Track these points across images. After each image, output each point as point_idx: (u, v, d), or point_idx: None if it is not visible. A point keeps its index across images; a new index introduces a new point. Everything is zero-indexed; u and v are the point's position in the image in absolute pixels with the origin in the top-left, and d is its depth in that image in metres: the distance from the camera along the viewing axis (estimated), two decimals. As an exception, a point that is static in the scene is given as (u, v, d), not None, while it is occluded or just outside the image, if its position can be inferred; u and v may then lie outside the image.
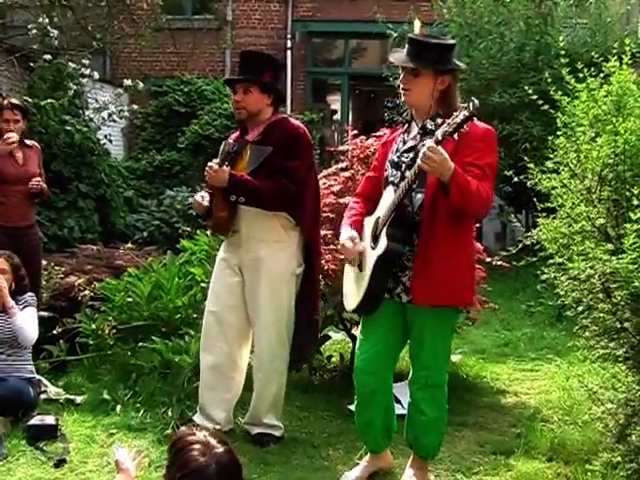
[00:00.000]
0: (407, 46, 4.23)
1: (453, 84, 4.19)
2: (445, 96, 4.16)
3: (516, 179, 4.72)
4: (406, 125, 4.35)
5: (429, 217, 4.06)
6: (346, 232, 4.33)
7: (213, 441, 2.57)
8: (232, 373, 5.04)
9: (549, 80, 4.99)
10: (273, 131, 4.86)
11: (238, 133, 5.10)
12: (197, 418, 5.06)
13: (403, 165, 4.21)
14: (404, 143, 4.27)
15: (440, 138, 3.80)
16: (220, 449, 2.54)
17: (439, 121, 4.07)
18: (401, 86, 4.24)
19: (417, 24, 4.65)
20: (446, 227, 4.05)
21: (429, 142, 3.82)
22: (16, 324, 5.44)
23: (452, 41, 4.35)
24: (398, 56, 4.26)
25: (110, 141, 12.35)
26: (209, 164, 4.82)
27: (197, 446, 2.53)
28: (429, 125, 4.17)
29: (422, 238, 4.09)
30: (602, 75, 4.33)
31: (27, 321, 5.50)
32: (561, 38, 7.83)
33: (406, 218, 4.12)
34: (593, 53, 4.88)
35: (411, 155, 4.16)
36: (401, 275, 4.19)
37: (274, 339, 4.92)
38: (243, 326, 5.01)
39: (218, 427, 4.95)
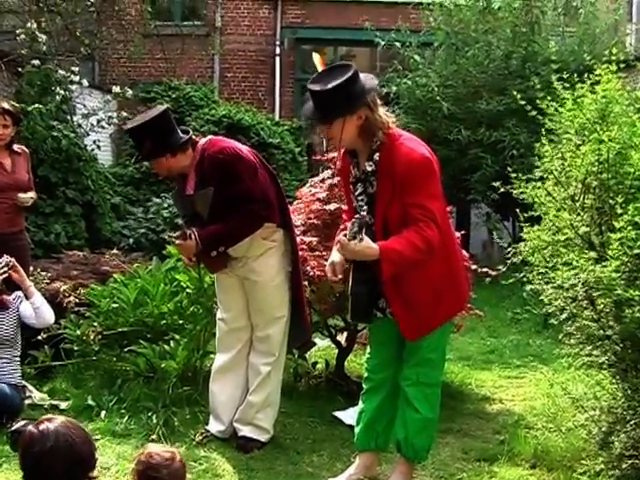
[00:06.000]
0: (310, 98, 4.16)
1: (370, 114, 4.12)
2: (366, 128, 4.13)
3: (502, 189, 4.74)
4: (354, 158, 4.32)
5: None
6: (331, 256, 4.38)
7: (53, 417, 2.65)
8: (242, 371, 5.11)
9: (537, 87, 5.00)
10: (202, 170, 4.87)
11: (176, 186, 5.20)
12: (210, 425, 5.16)
13: (358, 199, 4.31)
14: (355, 177, 4.32)
15: (349, 239, 3.94)
16: (56, 421, 2.60)
17: (377, 157, 4.14)
18: (327, 140, 4.32)
19: (316, 59, 4.55)
20: None
21: (341, 237, 4.03)
22: (35, 303, 5.52)
23: (352, 70, 4.10)
24: (309, 110, 4.23)
25: (99, 147, 12.30)
26: (176, 242, 4.96)
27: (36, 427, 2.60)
28: (368, 167, 4.20)
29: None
30: (589, 83, 4.34)
31: (43, 300, 5.60)
32: (552, 44, 7.84)
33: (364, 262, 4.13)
34: (585, 55, 4.90)
35: (359, 189, 4.28)
36: None
37: (281, 334, 5.03)
38: (250, 327, 5.11)
39: (222, 428, 5.09)
